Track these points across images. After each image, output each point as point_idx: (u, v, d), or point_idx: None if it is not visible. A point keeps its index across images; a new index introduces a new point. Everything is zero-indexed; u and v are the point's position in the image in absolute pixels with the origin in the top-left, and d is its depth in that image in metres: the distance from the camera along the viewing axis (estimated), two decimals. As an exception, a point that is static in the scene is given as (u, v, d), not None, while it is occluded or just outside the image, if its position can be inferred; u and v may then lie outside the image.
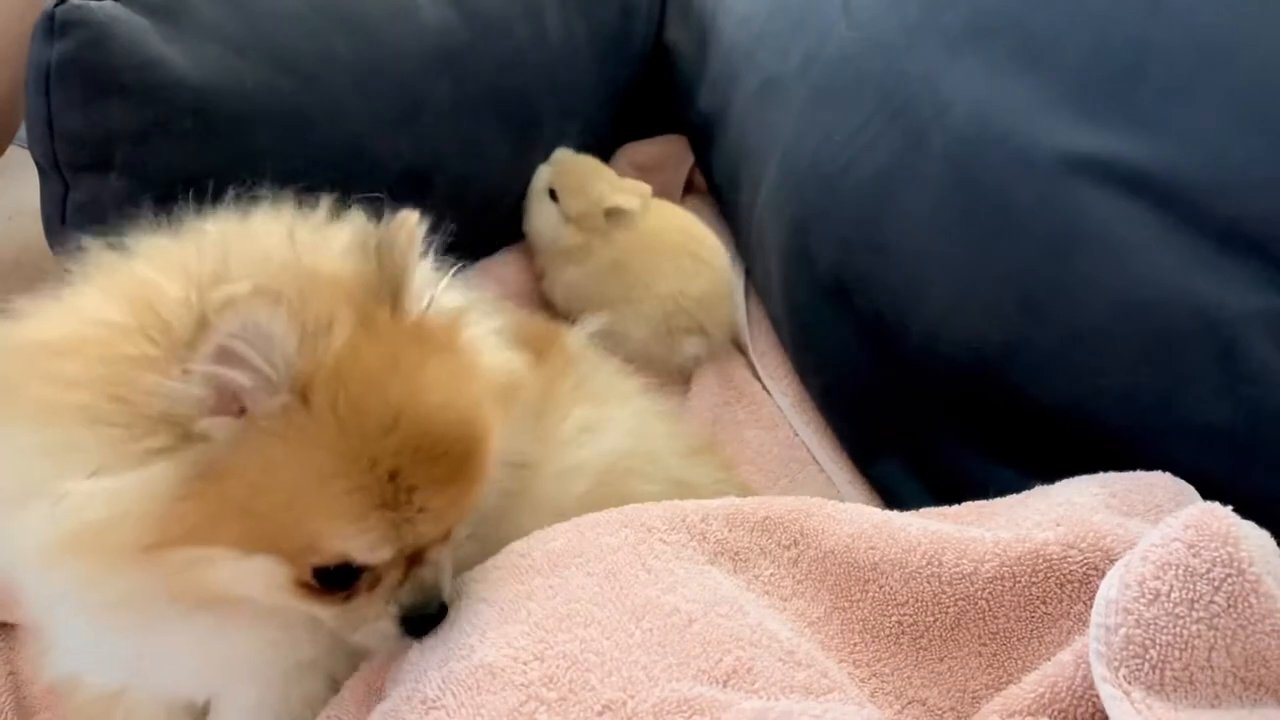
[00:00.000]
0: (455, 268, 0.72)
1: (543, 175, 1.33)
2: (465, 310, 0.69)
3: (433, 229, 0.68)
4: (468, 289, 0.76)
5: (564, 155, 1.34)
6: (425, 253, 0.67)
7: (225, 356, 0.55)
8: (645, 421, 0.94)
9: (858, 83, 1.09)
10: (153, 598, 0.61)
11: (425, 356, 0.63)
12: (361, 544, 0.61)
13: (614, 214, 1.27)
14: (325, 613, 0.64)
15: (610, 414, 0.90)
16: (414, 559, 0.65)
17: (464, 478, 0.64)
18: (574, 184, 1.30)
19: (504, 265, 1.33)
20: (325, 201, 0.71)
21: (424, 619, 0.66)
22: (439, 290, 0.68)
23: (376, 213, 0.69)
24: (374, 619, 0.66)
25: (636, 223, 1.27)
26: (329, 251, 0.65)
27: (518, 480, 0.79)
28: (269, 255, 0.63)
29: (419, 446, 0.60)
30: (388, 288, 0.63)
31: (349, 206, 0.70)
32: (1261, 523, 0.63)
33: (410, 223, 0.64)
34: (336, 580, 0.62)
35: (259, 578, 0.61)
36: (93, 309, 0.61)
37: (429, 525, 0.63)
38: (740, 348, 1.29)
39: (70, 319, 0.61)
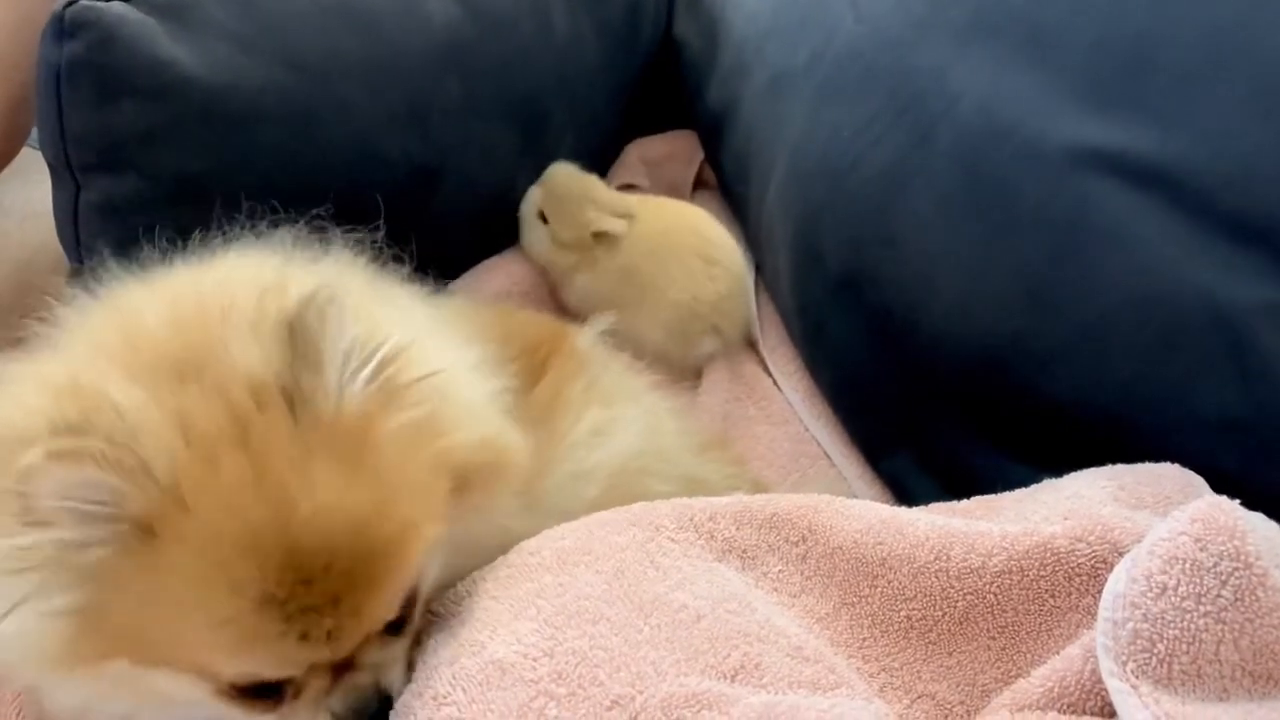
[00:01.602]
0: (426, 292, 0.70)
1: (533, 198, 1.31)
2: (394, 396, 0.62)
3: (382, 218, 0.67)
4: (465, 345, 0.73)
5: (554, 174, 1.31)
6: (344, 334, 0.59)
7: (51, 513, 0.54)
8: (656, 419, 0.94)
9: (866, 78, 1.09)
10: (109, 697, 0.60)
11: (315, 460, 0.57)
12: (260, 665, 0.58)
13: (601, 237, 1.26)
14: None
15: (621, 414, 0.90)
16: (346, 663, 0.62)
17: (362, 590, 0.58)
18: (561, 209, 1.28)
19: (512, 262, 1.32)
20: (304, 237, 0.70)
21: (355, 714, 0.63)
22: (365, 381, 0.61)
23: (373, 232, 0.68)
24: None
25: (638, 228, 1.27)
26: (250, 330, 0.60)
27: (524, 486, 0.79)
28: (171, 346, 0.60)
29: (288, 566, 0.56)
30: (285, 384, 0.58)
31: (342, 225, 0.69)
32: (1272, 515, 0.63)
33: (322, 299, 0.58)
34: (257, 693, 0.60)
35: (184, 690, 0.59)
36: (32, 400, 0.59)
37: (333, 642, 0.59)
38: (751, 343, 1.29)
39: (15, 405, 0.59)
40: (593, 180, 1.32)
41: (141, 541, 0.55)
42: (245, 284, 0.63)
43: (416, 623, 0.67)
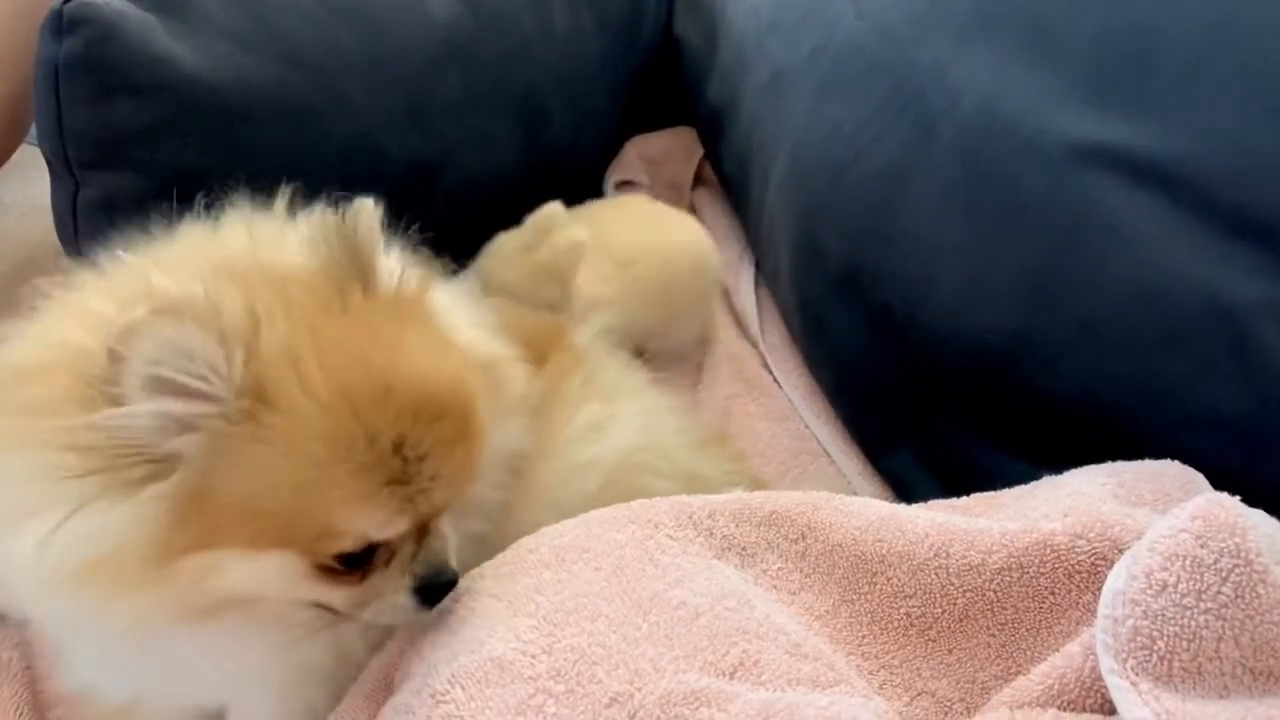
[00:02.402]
0: (444, 266, 0.73)
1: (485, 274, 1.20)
2: (431, 282, 0.69)
3: (401, 222, 0.70)
4: (454, 286, 0.76)
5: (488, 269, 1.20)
6: (386, 237, 0.67)
7: (149, 383, 0.54)
8: (655, 416, 0.94)
9: (867, 74, 1.09)
10: (164, 616, 0.60)
11: (402, 327, 0.63)
12: (377, 521, 0.61)
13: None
14: (339, 594, 0.64)
15: (619, 410, 0.90)
16: (422, 529, 0.65)
17: (468, 436, 0.64)
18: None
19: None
20: (283, 197, 0.71)
21: (439, 587, 0.66)
22: (403, 269, 0.67)
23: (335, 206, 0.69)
24: (390, 594, 0.65)
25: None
26: (286, 246, 0.65)
27: (520, 477, 0.79)
28: (218, 259, 0.62)
29: (418, 411, 0.60)
30: (355, 269, 0.63)
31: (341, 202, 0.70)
32: (1273, 512, 0.63)
33: (368, 208, 0.64)
34: (353, 561, 0.62)
35: (273, 573, 0.60)
36: (56, 332, 0.61)
37: (442, 491, 0.63)
38: (751, 340, 1.29)
39: (38, 343, 0.61)
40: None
41: (252, 414, 0.56)
42: (251, 229, 0.67)
43: (466, 505, 0.71)
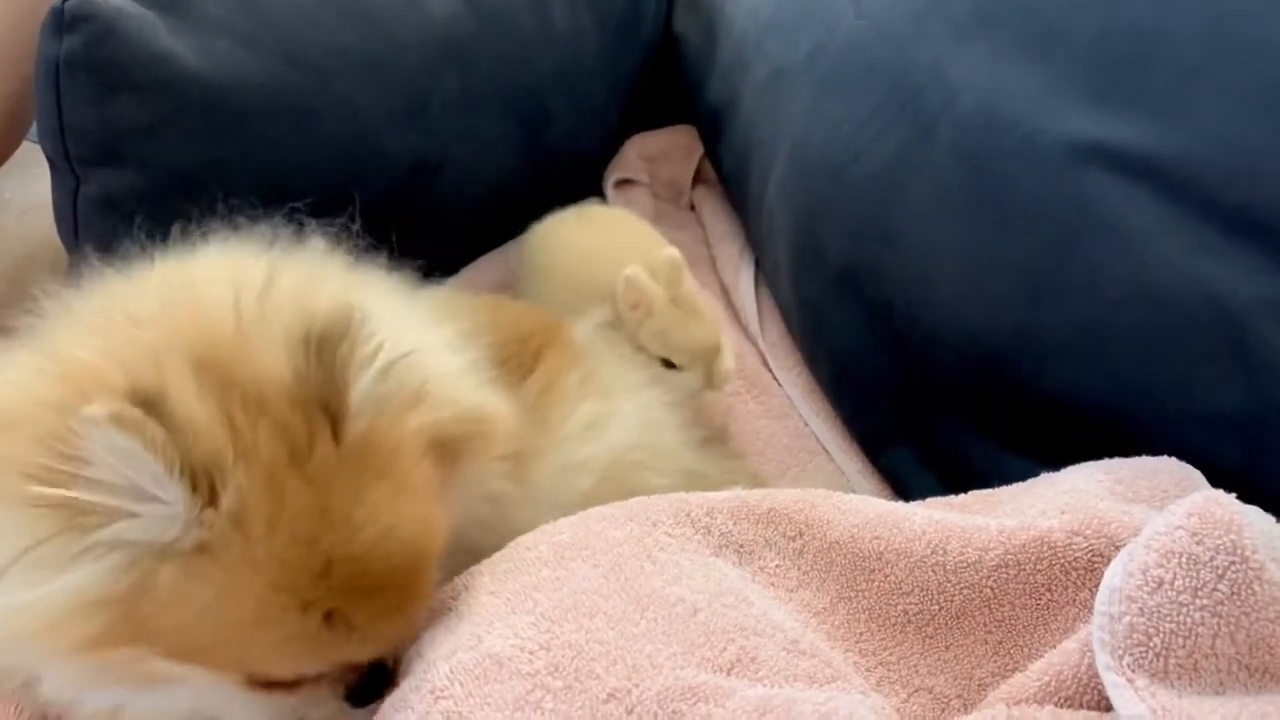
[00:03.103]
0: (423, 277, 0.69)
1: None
2: (403, 398, 0.63)
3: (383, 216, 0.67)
4: (435, 326, 0.73)
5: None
6: (368, 349, 0.60)
7: (101, 478, 0.52)
8: (655, 413, 0.94)
9: (866, 72, 1.09)
10: (104, 683, 0.60)
11: (363, 484, 0.59)
12: (299, 668, 0.60)
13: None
14: (271, 702, 0.62)
15: (618, 408, 0.90)
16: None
17: (411, 603, 0.63)
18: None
19: (512, 257, 1.33)
20: (277, 229, 0.70)
21: (372, 692, 0.65)
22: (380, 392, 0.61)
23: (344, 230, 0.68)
24: (324, 701, 0.64)
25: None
26: (269, 335, 0.59)
27: (515, 474, 0.79)
28: (197, 332, 0.59)
29: (355, 586, 0.58)
30: (330, 403, 0.58)
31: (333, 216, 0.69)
32: (1271, 510, 0.63)
33: (348, 317, 0.58)
34: (279, 683, 0.61)
35: (204, 682, 0.59)
36: (25, 381, 0.59)
37: (371, 645, 0.62)
38: (750, 338, 1.29)
39: (9, 387, 0.59)
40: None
41: (195, 550, 0.55)
42: (232, 277, 0.63)
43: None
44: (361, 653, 0.62)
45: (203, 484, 0.54)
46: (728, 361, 1.08)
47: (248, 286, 0.61)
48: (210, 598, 0.55)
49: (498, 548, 0.72)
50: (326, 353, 0.58)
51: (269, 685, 0.61)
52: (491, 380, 0.74)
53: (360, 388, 0.59)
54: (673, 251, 1.07)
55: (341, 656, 0.61)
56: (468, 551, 0.73)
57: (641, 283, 1.03)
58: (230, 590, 0.55)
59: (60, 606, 0.54)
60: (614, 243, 1.14)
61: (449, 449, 0.67)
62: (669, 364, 1.05)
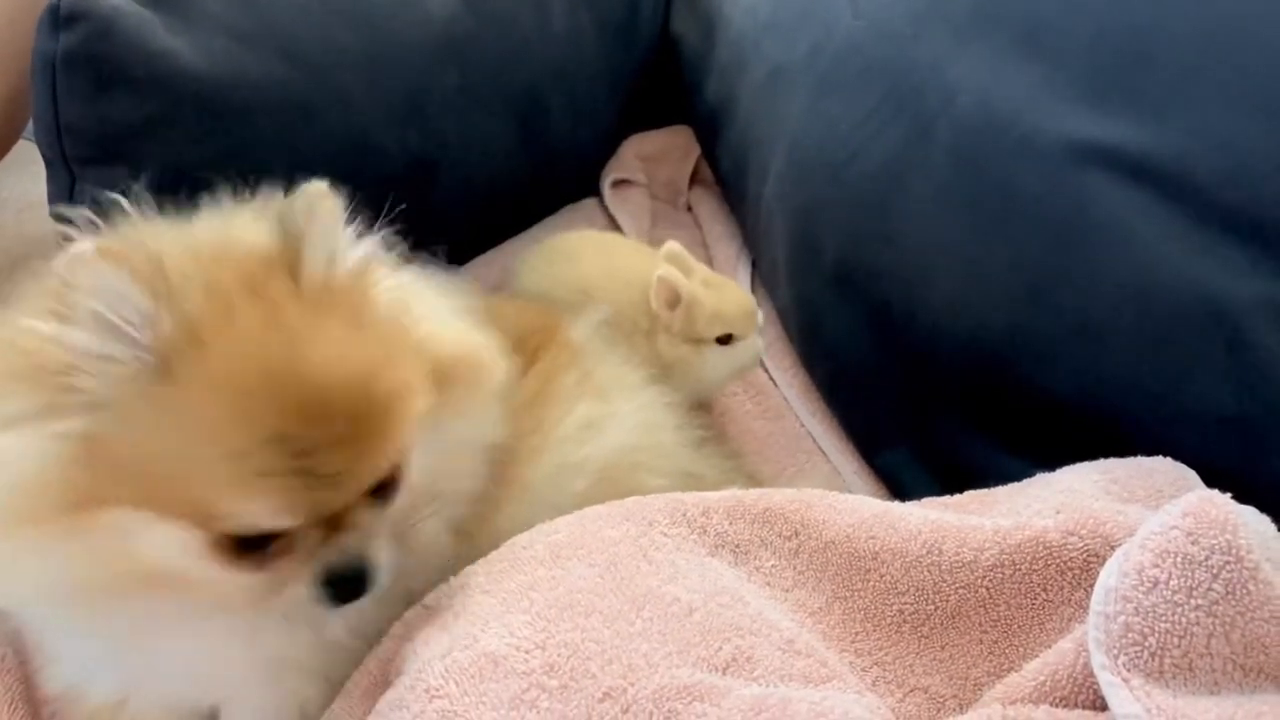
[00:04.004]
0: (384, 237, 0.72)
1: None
2: (373, 269, 0.68)
3: (381, 211, 0.70)
4: (419, 270, 0.76)
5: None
6: (344, 221, 0.66)
7: (86, 314, 0.56)
8: (653, 414, 0.94)
9: (864, 72, 1.09)
10: (93, 581, 0.60)
11: (321, 320, 0.62)
12: (259, 510, 0.60)
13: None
14: (244, 579, 0.62)
15: (616, 409, 0.89)
16: (336, 522, 0.63)
17: (365, 436, 0.62)
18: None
19: (510, 256, 1.33)
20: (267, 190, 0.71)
21: (343, 581, 0.64)
22: (353, 257, 0.66)
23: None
24: (292, 582, 0.63)
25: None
26: (250, 230, 0.66)
27: (509, 474, 0.79)
28: (177, 236, 0.65)
29: (304, 409, 0.59)
30: (285, 253, 0.63)
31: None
32: (1265, 509, 0.63)
33: (312, 191, 0.64)
34: (250, 544, 0.61)
35: (173, 544, 0.59)
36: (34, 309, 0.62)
37: (333, 488, 0.61)
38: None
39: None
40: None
41: (158, 375, 0.57)
42: (226, 215, 0.70)
43: (402, 499, 0.68)
44: (324, 496, 0.61)
45: (176, 310, 0.57)
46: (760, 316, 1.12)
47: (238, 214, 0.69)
48: (173, 425, 0.57)
49: (492, 546, 0.72)
50: (288, 214, 0.63)
51: (237, 554, 0.61)
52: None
53: (317, 240, 0.63)
54: (671, 244, 1.10)
55: (305, 501, 0.60)
56: (456, 531, 0.75)
57: (674, 277, 1.04)
58: (190, 414, 0.58)
59: (38, 455, 0.57)
60: (612, 266, 1.14)
61: (443, 375, 0.68)
62: (724, 341, 1.08)
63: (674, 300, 1.05)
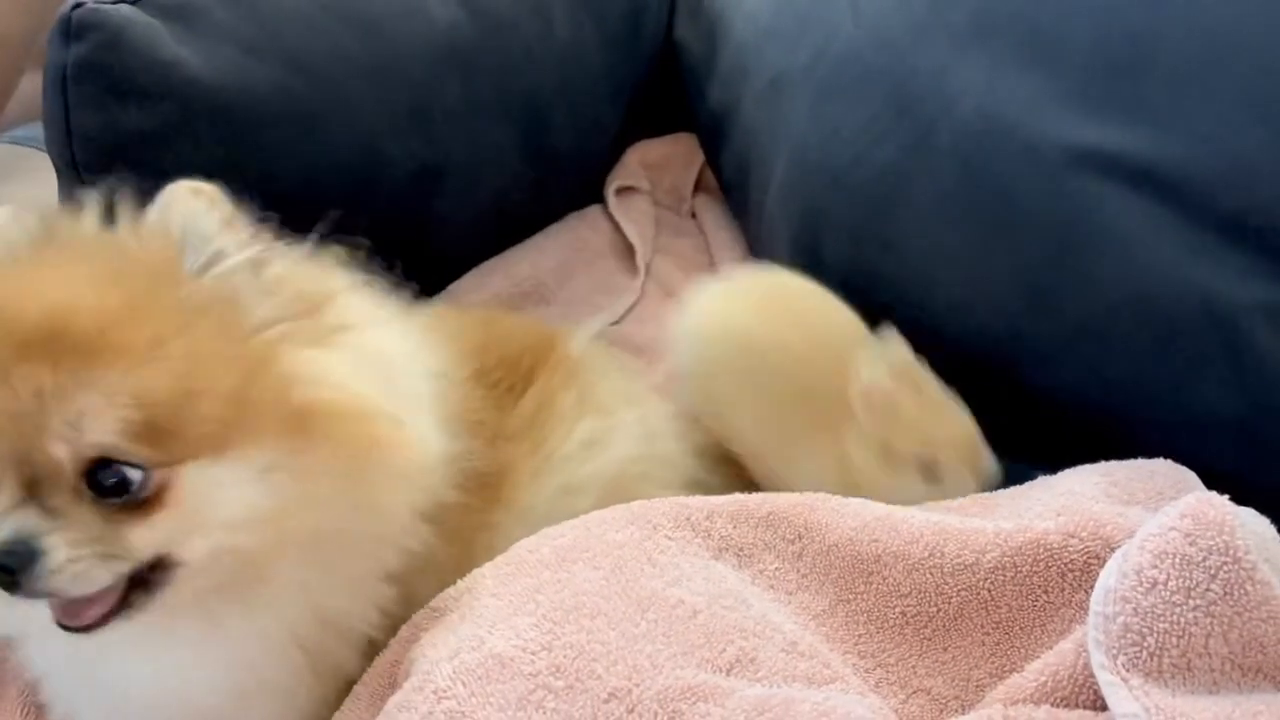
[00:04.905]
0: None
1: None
2: (258, 270, 0.65)
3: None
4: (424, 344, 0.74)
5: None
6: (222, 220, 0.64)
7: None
8: (656, 424, 0.92)
9: (865, 79, 1.10)
10: None
11: (75, 263, 0.63)
12: None
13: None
14: None
15: (619, 421, 0.87)
16: (41, 498, 0.58)
17: (65, 368, 0.57)
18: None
19: (513, 263, 1.33)
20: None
21: None
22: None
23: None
24: None
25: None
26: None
27: (506, 497, 0.79)
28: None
29: (9, 332, 0.58)
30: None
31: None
32: (1265, 511, 0.64)
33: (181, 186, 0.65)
34: None
35: None
36: None
37: (29, 424, 0.57)
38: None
39: None
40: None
41: None
42: None
43: (169, 523, 0.60)
44: (17, 426, 0.57)
45: None
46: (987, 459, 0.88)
47: None
48: None
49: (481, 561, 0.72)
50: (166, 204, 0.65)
51: None
52: (452, 417, 0.72)
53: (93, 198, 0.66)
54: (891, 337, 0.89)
55: None
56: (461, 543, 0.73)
57: (885, 387, 0.86)
58: None
59: None
60: (815, 334, 0.93)
61: (305, 425, 0.62)
62: (930, 472, 0.86)
63: (883, 408, 0.85)
